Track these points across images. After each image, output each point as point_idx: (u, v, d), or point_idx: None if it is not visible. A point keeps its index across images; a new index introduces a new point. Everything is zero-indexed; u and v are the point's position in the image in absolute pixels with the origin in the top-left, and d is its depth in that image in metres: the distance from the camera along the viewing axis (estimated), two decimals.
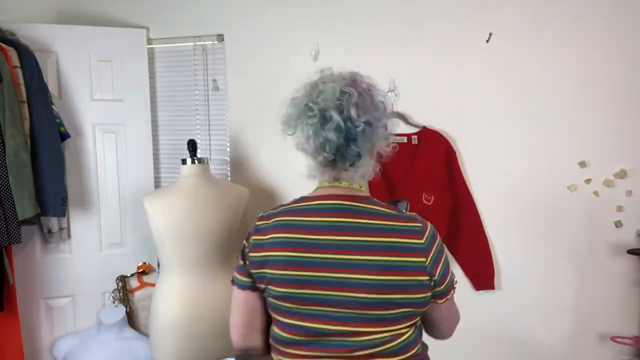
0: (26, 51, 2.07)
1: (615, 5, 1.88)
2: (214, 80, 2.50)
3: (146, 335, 2.34)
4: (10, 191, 1.96)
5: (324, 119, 1.13)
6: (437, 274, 1.12)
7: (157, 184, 2.59)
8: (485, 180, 2.09)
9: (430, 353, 1.50)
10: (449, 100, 2.10)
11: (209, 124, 2.55)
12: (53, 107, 2.15)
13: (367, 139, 1.14)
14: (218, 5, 2.43)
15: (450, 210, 2.07)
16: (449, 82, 2.09)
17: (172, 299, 1.97)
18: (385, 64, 2.16)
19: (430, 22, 2.10)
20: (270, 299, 1.16)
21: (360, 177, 1.19)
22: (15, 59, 2.02)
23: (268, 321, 1.22)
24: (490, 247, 2.08)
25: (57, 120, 2.16)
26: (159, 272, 2.30)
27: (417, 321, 1.20)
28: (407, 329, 1.15)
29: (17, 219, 1.96)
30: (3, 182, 1.95)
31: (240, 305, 1.20)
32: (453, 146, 2.08)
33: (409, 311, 1.12)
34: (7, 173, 1.95)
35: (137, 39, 2.44)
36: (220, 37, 2.46)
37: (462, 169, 2.08)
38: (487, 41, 2.03)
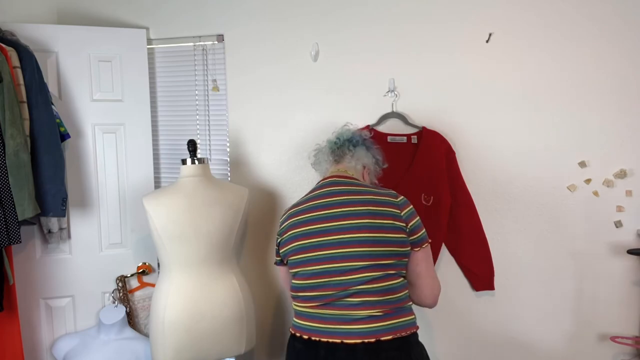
0: (26, 51, 2.07)
1: (615, 5, 1.88)
2: (214, 80, 2.50)
3: (146, 335, 2.34)
4: (10, 191, 1.96)
5: (336, 142, 1.76)
6: (409, 224, 1.52)
7: (157, 184, 2.59)
8: (484, 180, 2.09)
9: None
10: (449, 100, 2.10)
11: (208, 124, 2.55)
12: (53, 107, 2.15)
13: (357, 150, 1.73)
14: (218, 5, 2.43)
15: (450, 210, 2.06)
16: (449, 82, 2.09)
17: (172, 299, 1.97)
18: (385, 64, 2.16)
19: (430, 22, 2.10)
20: (290, 258, 1.59)
21: (354, 169, 1.70)
22: (15, 59, 2.02)
23: None
24: (490, 247, 2.08)
25: (57, 120, 2.16)
26: (159, 272, 2.30)
27: (404, 270, 1.55)
28: (395, 274, 1.50)
29: (17, 219, 1.96)
30: (3, 182, 1.95)
31: (284, 277, 1.76)
32: (452, 146, 2.08)
33: (392, 250, 1.49)
34: (7, 173, 1.95)
35: (137, 39, 2.44)
36: (220, 37, 2.46)
37: (461, 169, 2.08)
38: (487, 41, 2.03)
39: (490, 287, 2.08)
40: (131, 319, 2.41)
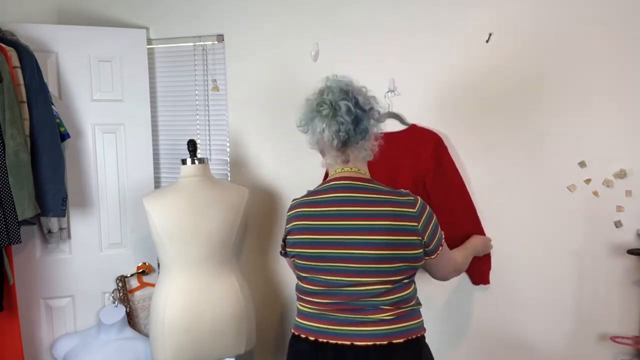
0: (26, 51, 2.07)
1: (614, 6, 1.88)
2: (214, 80, 2.50)
3: (146, 335, 2.35)
4: (10, 191, 1.96)
5: (335, 109, 1.45)
6: (426, 236, 1.45)
7: (157, 184, 2.59)
8: (484, 180, 2.08)
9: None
10: (449, 99, 2.10)
11: (208, 124, 2.55)
12: (53, 107, 2.15)
13: (370, 120, 1.48)
14: (218, 5, 2.43)
15: (442, 203, 2.03)
16: (449, 82, 2.09)
17: (172, 299, 1.97)
18: (385, 64, 2.16)
19: (430, 21, 2.10)
20: (296, 260, 1.53)
21: (362, 160, 1.52)
22: (15, 59, 2.02)
23: None
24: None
25: (57, 120, 2.16)
26: (159, 272, 2.30)
27: (413, 278, 1.51)
28: (407, 286, 1.47)
29: (17, 219, 1.96)
30: (3, 182, 1.95)
31: (291, 266, 1.64)
32: (450, 144, 2.07)
33: (405, 265, 1.44)
34: (7, 173, 1.95)
35: (137, 39, 2.44)
36: (220, 37, 2.46)
37: (461, 168, 2.08)
38: (487, 41, 2.03)
39: (486, 281, 2.07)
40: (131, 319, 2.41)
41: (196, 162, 2.07)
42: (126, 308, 2.38)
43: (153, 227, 2.00)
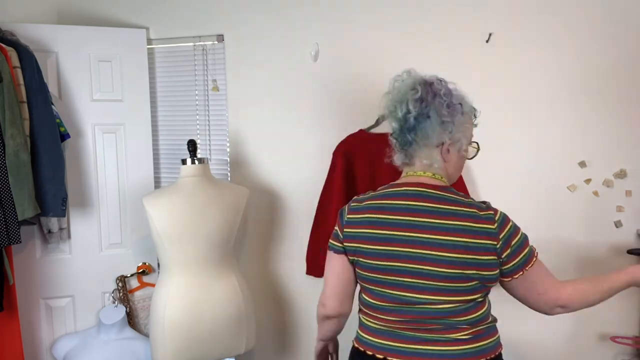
0: (26, 51, 2.07)
1: (613, 7, 1.88)
2: (214, 80, 2.50)
3: (146, 335, 2.34)
4: (10, 191, 1.96)
5: (394, 111, 1.34)
6: (504, 255, 1.29)
7: (157, 184, 2.59)
8: (484, 180, 2.09)
9: None
10: None
11: (208, 124, 2.55)
12: (53, 107, 2.15)
13: (423, 129, 1.31)
14: (218, 5, 2.43)
15: None
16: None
17: (172, 299, 1.97)
18: (385, 64, 2.16)
19: (430, 22, 2.10)
20: (360, 270, 1.37)
21: (427, 167, 1.34)
22: (15, 59, 2.02)
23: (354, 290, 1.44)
24: None
25: (57, 120, 2.16)
26: (159, 272, 2.30)
27: (487, 295, 1.39)
28: (480, 305, 1.35)
29: (17, 219, 1.96)
30: (3, 182, 1.95)
31: (338, 274, 1.41)
32: None
33: (479, 284, 1.30)
34: (7, 173, 1.95)
35: (137, 39, 2.44)
36: (220, 37, 2.46)
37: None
38: (487, 41, 2.03)
39: None
40: (131, 319, 2.41)
41: (196, 162, 2.07)
42: (126, 308, 2.37)
43: (153, 227, 2.00)
